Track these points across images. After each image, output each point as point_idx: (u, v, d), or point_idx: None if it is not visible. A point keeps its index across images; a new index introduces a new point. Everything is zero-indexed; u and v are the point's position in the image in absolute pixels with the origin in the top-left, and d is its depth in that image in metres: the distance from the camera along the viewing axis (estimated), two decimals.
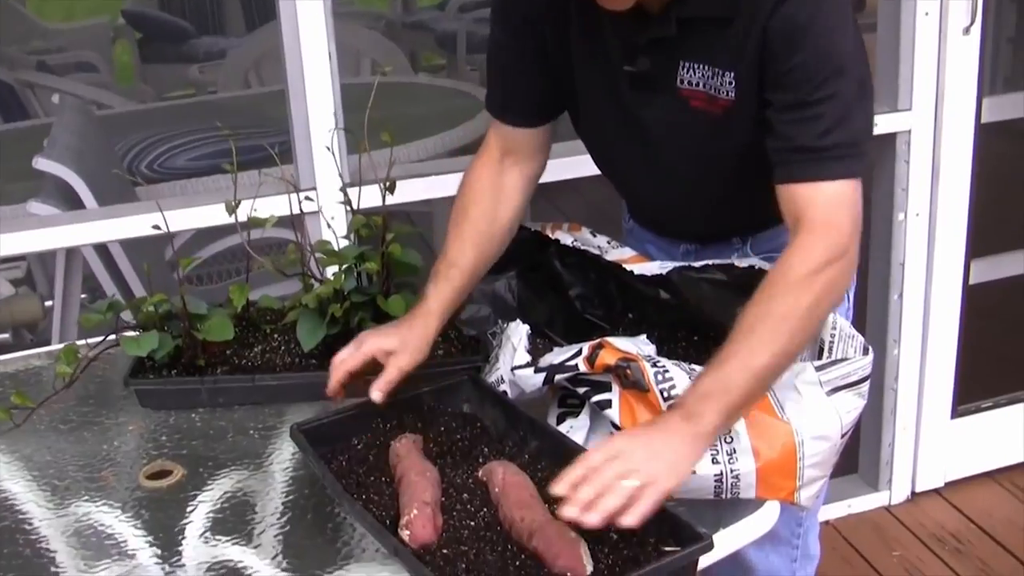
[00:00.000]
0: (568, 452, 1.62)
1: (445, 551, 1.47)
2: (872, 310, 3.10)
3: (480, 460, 1.69)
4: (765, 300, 1.58)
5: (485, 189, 1.92)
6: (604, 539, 1.48)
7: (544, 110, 1.92)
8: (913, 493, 3.33)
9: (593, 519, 1.42)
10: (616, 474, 1.45)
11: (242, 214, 2.03)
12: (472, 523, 1.54)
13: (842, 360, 1.67)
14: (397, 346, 1.77)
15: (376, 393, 1.75)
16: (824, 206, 1.61)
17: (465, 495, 1.60)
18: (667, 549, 1.44)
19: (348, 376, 1.79)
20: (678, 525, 1.46)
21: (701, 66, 1.69)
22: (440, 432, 1.77)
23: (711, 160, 1.79)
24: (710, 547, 1.45)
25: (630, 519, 1.42)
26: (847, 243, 1.62)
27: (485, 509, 1.56)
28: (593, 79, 1.82)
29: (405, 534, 1.49)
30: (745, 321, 1.57)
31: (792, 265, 1.59)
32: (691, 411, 1.53)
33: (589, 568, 1.41)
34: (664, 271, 1.84)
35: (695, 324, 1.89)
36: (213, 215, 2.26)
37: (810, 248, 1.60)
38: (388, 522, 1.54)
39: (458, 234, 1.89)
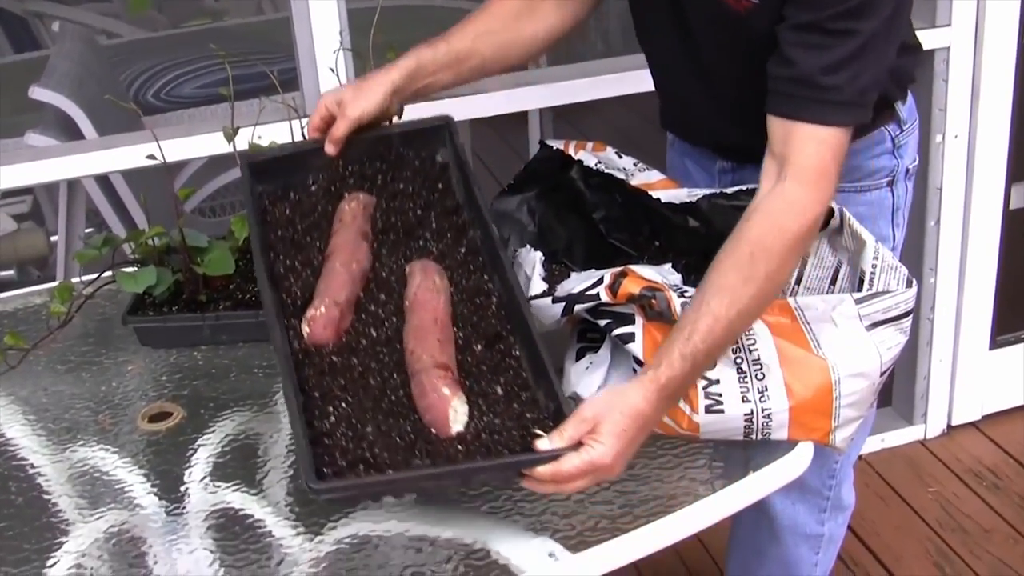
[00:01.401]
0: (500, 263, 1.57)
1: (334, 358, 1.45)
2: (908, 237, 2.97)
3: (420, 243, 1.64)
4: (755, 258, 1.48)
5: (511, 5, 1.83)
6: (487, 393, 1.45)
7: None
8: (949, 427, 3.26)
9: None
10: (583, 487, 1.39)
11: (245, 143, 1.92)
12: (375, 333, 1.51)
13: (884, 293, 1.58)
14: (348, 96, 1.70)
15: (329, 146, 1.69)
16: (818, 154, 1.52)
17: (383, 295, 1.56)
18: (537, 432, 1.38)
19: (320, 136, 1.72)
20: (560, 414, 1.40)
21: None
22: (396, 192, 1.70)
23: (735, 57, 1.68)
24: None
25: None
26: (832, 195, 1.55)
27: (395, 318, 1.52)
28: None
29: (305, 329, 1.48)
30: (729, 277, 1.48)
31: (787, 225, 1.50)
32: (679, 389, 1.47)
33: (456, 428, 1.38)
34: (693, 199, 1.74)
35: None
36: (213, 144, 2.16)
37: (804, 204, 1.51)
38: (299, 304, 1.52)
39: (467, 23, 1.81)
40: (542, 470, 1.35)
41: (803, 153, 1.51)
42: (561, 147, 1.92)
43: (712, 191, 1.75)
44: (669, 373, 1.43)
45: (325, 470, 1.32)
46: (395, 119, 1.77)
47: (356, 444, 1.35)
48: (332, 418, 1.38)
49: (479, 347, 1.50)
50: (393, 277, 1.58)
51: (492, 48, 1.80)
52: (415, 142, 1.74)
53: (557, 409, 1.41)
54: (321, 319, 1.47)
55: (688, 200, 1.75)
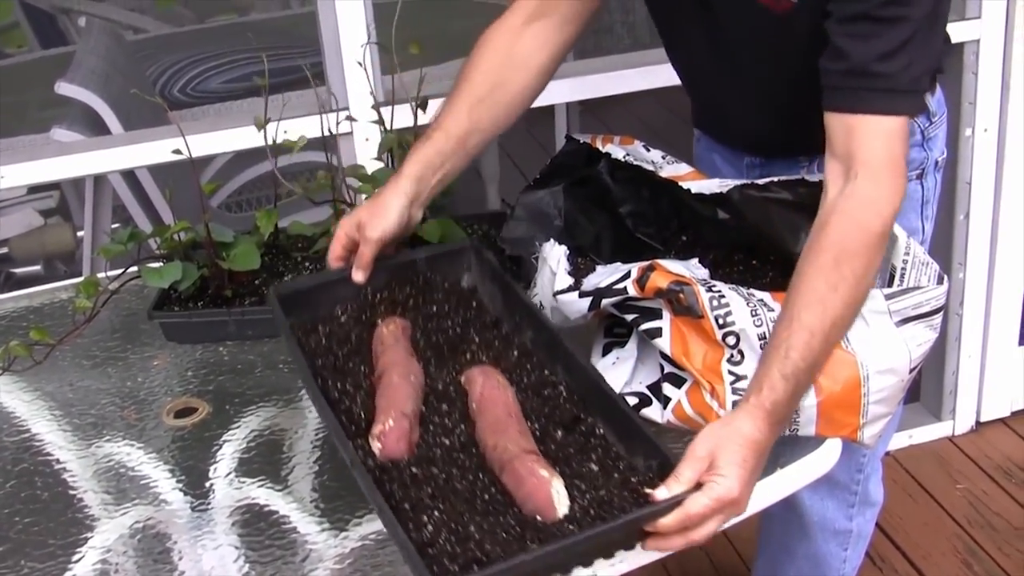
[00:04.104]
0: (563, 352, 1.53)
1: (414, 470, 1.37)
2: (937, 232, 2.94)
3: (467, 356, 1.59)
4: (840, 263, 1.44)
5: (495, 54, 1.75)
6: (582, 473, 1.37)
7: None
8: (978, 423, 3.24)
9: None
10: (713, 531, 1.32)
11: (271, 138, 1.92)
12: (447, 441, 1.44)
13: (914, 289, 1.56)
14: (365, 217, 1.65)
15: (357, 273, 1.64)
16: (887, 146, 1.48)
17: (444, 405, 1.49)
18: (647, 492, 1.31)
19: (343, 265, 1.67)
20: (666, 465, 1.34)
21: None
22: (431, 314, 1.65)
23: (774, 61, 1.66)
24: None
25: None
26: (906, 184, 1.52)
27: (463, 425, 1.46)
28: None
29: (376, 446, 1.39)
30: (817, 287, 1.44)
31: (868, 225, 1.46)
32: (787, 411, 1.42)
33: (562, 511, 1.30)
34: (724, 189, 1.72)
35: (754, 246, 1.78)
36: (239, 138, 2.16)
37: (883, 200, 1.48)
38: (363, 424, 1.44)
39: (454, 96, 1.73)
40: (667, 521, 1.28)
41: (870, 148, 1.47)
42: (588, 141, 1.91)
43: (743, 182, 1.73)
44: (773, 397, 1.38)
45: None
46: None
47: (463, 547, 1.27)
48: (429, 527, 1.29)
49: (559, 433, 1.45)
50: (451, 388, 1.53)
51: (488, 116, 1.74)
52: (440, 266, 1.70)
53: (662, 463, 1.35)
54: (393, 432, 1.40)
55: (719, 191, 1.74)
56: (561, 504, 1.30)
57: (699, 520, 1.29)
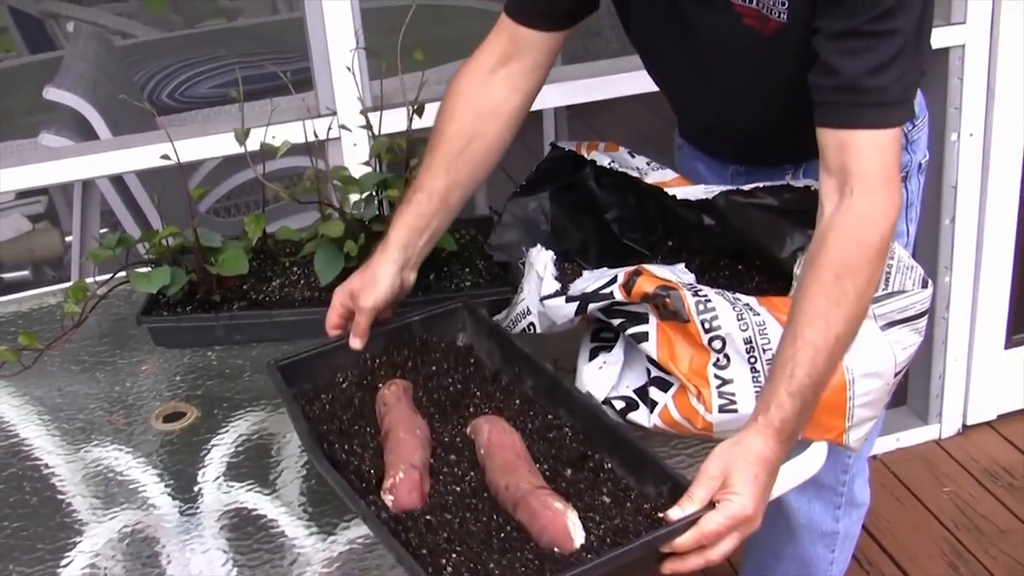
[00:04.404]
0: (564, 395, 1.54)
1: (428, 518, 1.38)
2: (923, 236, 2.96)
3: (471, 409, 1.60)
4: (841, 279, 1.44)
5: (466, 105, 1.77)
6: (595, 505, 1.38)
7: (574, 12, 1.76)
8: (964, 426, 3.25)
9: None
10: (730, 549, 1.33)
11: (258, 143, 1.93)
12: (458, 488, 1.44)
13: (899, 293, 1.57)
14: (358, 287, 1.67)
15: (354, 340, 1.66)
16: (880, 160, 1.49)
17: (452, 456, 1.50)
18: (660, 516, 1.33)
19: (341, 332, 1.70)
20: (678, 488, 1.35)
21: None
22: (431, 373, 1.67)
23: (762, 79, 1.67)
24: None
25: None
26: (901, 195, 1.53)
27: (472, 473, 1.47)
28: None
29: (389, 499, 1.39)
30: (819, 304, 1.44)
31: (867, 240, 1.47)
32: (795, 428, 1.41)
33: (578, 541, 1.31)
34: (709, 195, 1.73)
35: (739, 252, 1.78)
36: (227, 144, 2.16)
37: (879, 214, 1.48)
38: (374, 480, 1.44)
39: (430, 155, 1.75)
40: (683, 540, 1.30)
41: (864, 162, 1.48)
42: (573, 148, 1.92)
43: (729, 188, 1.74)
44: (781, 415, 1.39)
45: None
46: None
47: None
48: (449, 569, 1.30)
49: (568, 472, 1.46)
50: (458, 440, 1.54)
51: (467, 170, 1.75)
52: (435, 327, 1.72)
53: (673, 487, 1.36)
54: (403, 484, 1.40)
55: (704, 197, 1.74)
56: (577, 535, 1.31)
57: (715, 538, 1.31)
